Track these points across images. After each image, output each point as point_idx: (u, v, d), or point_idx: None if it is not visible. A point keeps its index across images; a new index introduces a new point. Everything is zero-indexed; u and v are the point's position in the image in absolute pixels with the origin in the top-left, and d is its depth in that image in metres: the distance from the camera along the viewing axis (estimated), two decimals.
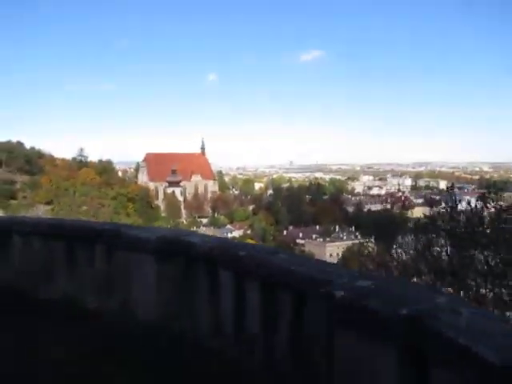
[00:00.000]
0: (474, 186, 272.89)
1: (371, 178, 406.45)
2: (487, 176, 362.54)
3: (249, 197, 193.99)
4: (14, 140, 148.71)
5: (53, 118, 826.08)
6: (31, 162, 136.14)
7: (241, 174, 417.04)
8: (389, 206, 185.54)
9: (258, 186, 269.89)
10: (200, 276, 4.58)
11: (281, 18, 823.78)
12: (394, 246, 72.65)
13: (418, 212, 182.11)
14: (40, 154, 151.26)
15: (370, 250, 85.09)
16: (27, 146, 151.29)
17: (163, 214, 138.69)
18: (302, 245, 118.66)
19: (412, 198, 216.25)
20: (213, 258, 4.39)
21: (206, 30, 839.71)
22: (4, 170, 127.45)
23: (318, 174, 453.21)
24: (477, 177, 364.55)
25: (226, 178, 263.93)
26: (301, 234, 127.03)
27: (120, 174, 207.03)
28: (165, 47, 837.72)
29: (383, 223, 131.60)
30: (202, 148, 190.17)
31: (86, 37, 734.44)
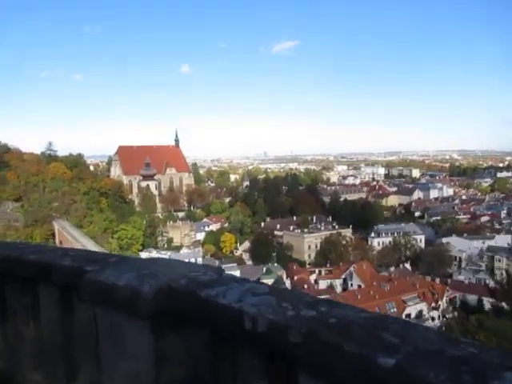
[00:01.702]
0: (445, 174, 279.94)
1: (345, 167, 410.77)
2: (457, 163, 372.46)
3: (225, 189, 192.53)
4: None
5: (20, 111, 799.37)
6: None
7: (216, 166, 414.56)
8: (364, 196, 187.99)
9: (233, 177, 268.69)
10: None
11: (254, 8, 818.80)
12: (372, 235, 73.77)
13: (393, 200, 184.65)
14: (6, 149, 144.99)
15: (348, 239, 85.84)
16: None
17: (138, 209, 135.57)
18: (280, 236, 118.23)
19: (386, 186, 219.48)
20: None
21: (179, 21, 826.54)
22: None
23: (293, 165, 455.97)
24: (447, 164, 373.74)
25: (201, 171, 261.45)
26: (278, 226, 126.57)
27: (92, 168, 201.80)
28: (138, 38, 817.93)
29: (360, 212, 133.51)
30: (176, 140, 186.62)
31: (57, 24, 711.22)
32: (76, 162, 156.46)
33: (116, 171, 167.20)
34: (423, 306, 68.74)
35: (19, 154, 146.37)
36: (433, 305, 69.84)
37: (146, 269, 2.61)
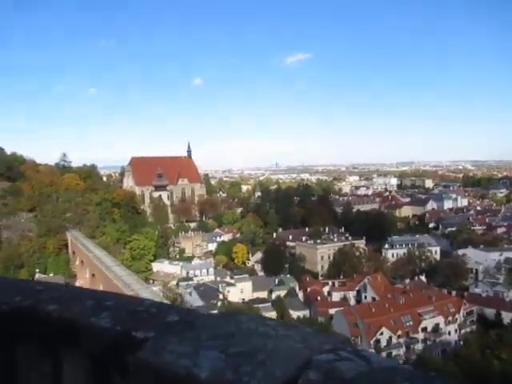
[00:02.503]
0: (458, 184, 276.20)
1: (357, 178, 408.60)
2: (470, 174, 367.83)
3: (236, 200, 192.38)
4: None
5: (35, 123, 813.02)
6: (12, 167, 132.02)
7: (227, 176, 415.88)
8: (377, 206, 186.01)
9: (244, 188, 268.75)
10: None
11: (267, 22, 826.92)
12: (386, 246, 72.35)
13: (406, 211, 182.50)
14: (21, 160, 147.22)
15: (361, 251, 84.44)
16: (8, 151, 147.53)
17: (150, 219, 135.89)
18: (293, 247, 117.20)
19: (399, 197, 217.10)
20: None
21: (192, 35, 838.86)
22: None
23: (304, 176, 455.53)
24: (460, 175, 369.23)
25: (213, 181, 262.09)
26: (290, 237, 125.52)
27: (105, 178, 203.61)
28: (152, 52, 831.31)
29: (373, 223, 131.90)
30: (188, 151, 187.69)
31: (73, 38, 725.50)
32: (89, 173, 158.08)
33: (128, 182, 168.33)
34: (440, 320, 66.97)
35: (34, 165, 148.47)
36: (449, 318, 68.06)
37: (233, 341, 1.49)
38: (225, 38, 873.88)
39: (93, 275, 78.38)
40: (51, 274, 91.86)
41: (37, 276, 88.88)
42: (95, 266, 75.18)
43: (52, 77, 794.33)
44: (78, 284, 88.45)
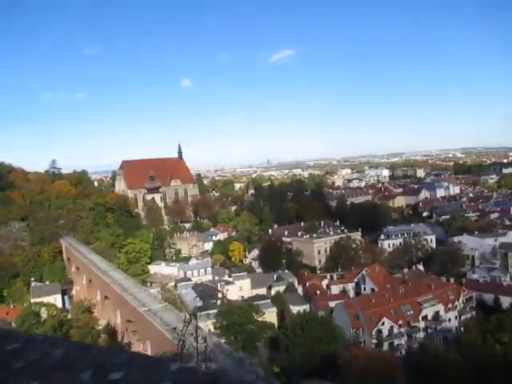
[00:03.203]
0: (449, 172, 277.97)
1: (349, 171, 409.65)
2: (460, 162, 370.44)
3: (230, 198, 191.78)
4: None
5: (23, 131, 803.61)
6: (1, 177, 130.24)
7: (219, 175, 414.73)
8: (370, 198, 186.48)
9: (237, 186, 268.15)
10: None
11: (252, 19, 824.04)
12: (382, 237, 72.43)
13: (400, 201, 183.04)
14: (10, 169, 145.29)
15: (358, 243, 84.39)
16: None
17: (144, 222, 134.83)
18: (289, 243, 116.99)
19: (391, 187, 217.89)
20: None
21: (179, 37, 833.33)
22: None
23: (297, 171, 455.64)
24: (451, 163, 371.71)
25: (205, 181, 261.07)
26: (286, 232, 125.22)
27: (96, 183, 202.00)
28: (138, 55, 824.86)
29: (367, 215, 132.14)
30: (179, 152, 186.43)
31: (59, 44, 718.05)
32: (80, 179, 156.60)
33: (121, 186, 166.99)
34: (439, 307, 67.08)
35: (23, 173, 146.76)
36: (449, 306, 68.23)
37: None
38: (212, 36, 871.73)
39: (89, 281, 77.56)
40: (47, 282, 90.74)
41: (33, 284, 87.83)
42: (91, 272, 74.36)
43: (39, 83, 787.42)
44: (74, 291, 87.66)
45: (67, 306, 79.51)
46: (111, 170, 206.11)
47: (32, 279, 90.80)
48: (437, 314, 66.97)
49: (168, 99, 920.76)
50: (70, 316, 58.74)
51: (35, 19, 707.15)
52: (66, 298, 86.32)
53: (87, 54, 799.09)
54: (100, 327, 53.55)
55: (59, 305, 76.67)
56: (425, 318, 66.24)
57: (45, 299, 66.48)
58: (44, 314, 53.12)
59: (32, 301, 67.55)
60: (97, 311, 66.05)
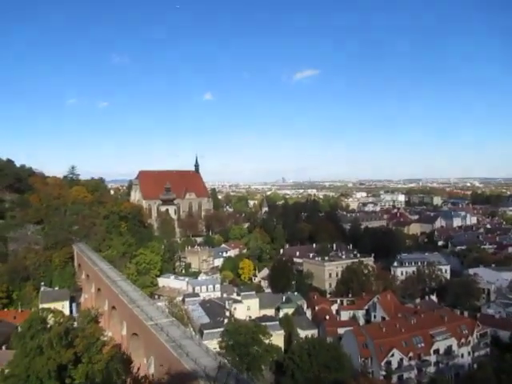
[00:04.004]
0: (467, 201, 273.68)
1: (364, 194, 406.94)
2: (479, 191, 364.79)
3: (243, 214, 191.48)
4: (4, 158, 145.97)
5: (45, 136, 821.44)
6: (21, 180, 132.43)
7: (234, 191, 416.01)
8: (385, 223, 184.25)
9: (251, 203, 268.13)
10: None
11: (275, 38, 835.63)
12: (395, 264, 70.97)
13: (415, 228, 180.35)
14: (30, 172, 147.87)
15: (370, 268, 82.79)
16: (17, 163, 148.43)
17: (156, 233, 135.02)
18: (300, 264, 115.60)
19: (407, 214, 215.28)
20: None
21: (203, 50, 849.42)
22: None
23: (311, 191, 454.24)
24: (469, 192, 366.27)
25: (220, 196, 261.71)
26: (298, 253, 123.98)
27: (112, 192, 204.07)
28: (163, 66, 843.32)
29: (381, 240, 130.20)
30: (196, 165, 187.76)
31: (84, 52, 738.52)
32: (97, 186, 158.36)
33: (136, 195, 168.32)
34: (452, 342, 64.91)
35: (42, 177, 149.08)
36: (462, 340, 66.00)
37: None
38: (235, 53, 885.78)
39: (98, 289, 77.36)
40: (56, 288, 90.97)
41: (42, 289, 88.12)
42: (101, 281, 74.19)
43: (65, 90, 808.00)
44: (82, 298, 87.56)
45: (74, 313, 79.24)
46: (128, 179, 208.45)
47: (42, 283, 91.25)
48: (449, 348, 64.85)
49: (189, 112, 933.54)
50: (76, 324, 58.34)
51: (64, 24, 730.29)
52: (73, 305, 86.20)
53: (115, 63, 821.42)
54: (105, 338, 52.97)
55: (67, 312, 76.55)
56: (436, 351, 64.17)
57: (53, 305, 66.29)
58: (51, 320, 52.87)
59: (40, 306, 67.48)
60: (103, 321, 65.51)
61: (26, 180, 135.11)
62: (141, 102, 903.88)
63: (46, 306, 64.02)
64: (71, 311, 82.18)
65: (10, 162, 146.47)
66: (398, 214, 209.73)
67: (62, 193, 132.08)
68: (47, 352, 44.84)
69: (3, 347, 57.87)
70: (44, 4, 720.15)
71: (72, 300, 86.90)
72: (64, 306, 79.00)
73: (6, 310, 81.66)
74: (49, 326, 51.22)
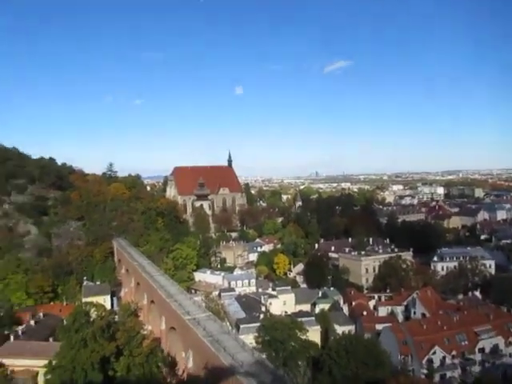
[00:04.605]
0: None
1: (401, 187, 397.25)
2: None
3: (277, 209, 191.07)
4: (47, 157, 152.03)
5: (84, 134, 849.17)
6: (62, 177, 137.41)
7: (267, 186, 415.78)
8: (423, 217, 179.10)
9: (285, 197, 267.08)
10: None
11: (307, 30, 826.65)
12: (435, 259, 68.58)
13: (455, 222, 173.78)
14: (71, 170, 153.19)
15: (409, 263, 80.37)
16: (59, 162, 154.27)
17: (192, 229, 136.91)
18: (336, 259, 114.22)
19: (446, 207, 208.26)
20: None
21: (235, 45, 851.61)
22: (37, 185, 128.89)
23: (345, 185, 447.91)
24: None
25: (253, 191, 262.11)
26: (333, 248, 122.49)
27: (148, 188, 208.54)
28: (195, 62, 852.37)
29: (420, 235, 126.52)
30: (229, 160, 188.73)
31: (120, 49, 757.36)
32: (134, 183, 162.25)
33: (171, 191, 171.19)
34: (499, 340, 62.23)
35: (82, 174, 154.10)
36: (510, 339, 63.17)
37: None
38: (266, 46, 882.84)
39: (137, 284, 79.23)
40: (98, 282, 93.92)
41: (84, 283, 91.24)
42: (140, 275, 75.93)
43: (101, 88, 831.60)
44: (123, 292, 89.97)
45: (115, 307, 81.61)
46: (163, 175, 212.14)
47: (84, 278, 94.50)
48: (495, 347, 62.23)
49: (221, 107, 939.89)
50: (117, 318, 59.97)
51: (99, 22, 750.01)
52: (114, 299, 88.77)
53: (149, 60, 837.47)
54: (145, 332, 54.16)
55: (108, 306, 78.90)
56: (482, 350, 61.76)
57: (95, 299, 68.34)
58: (93, 314, 54.58)
59: (83, 300, 69.83)
60: (143, 315, 67.05)
61: (67, 178, 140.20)
62: (174, 98, 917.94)
63: (88, 299, 66.05)
64: (112, 305, 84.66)
65: (52, 160, 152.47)
66: (437, 207, 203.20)
67: (101, 189, 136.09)
68: (91, 345, 46.30)
69: (50, 339, 60.19)
70: (82, 5, 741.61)
71: (113, 294, 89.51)
72: (105, 300, 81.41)
73: (52, 303, 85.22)
74: (92, 319, 52.88)
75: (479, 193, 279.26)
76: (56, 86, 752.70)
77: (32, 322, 67.36)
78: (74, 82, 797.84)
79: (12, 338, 58.65)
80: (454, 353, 59.92)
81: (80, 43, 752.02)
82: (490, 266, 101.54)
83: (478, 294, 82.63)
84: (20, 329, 63.29)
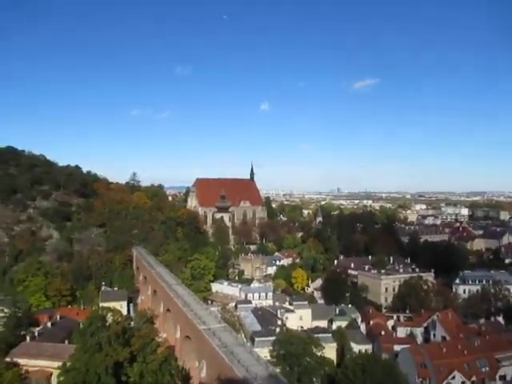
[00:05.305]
0: None
1: (424, 206, 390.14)
2: None
3: (297, 224, 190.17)
4: (73, 164, 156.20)
5: (109, 143, 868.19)
6: (87, 185, 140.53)
7: (288, 200, 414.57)
8: (446, 237, 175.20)
9: (305, 212, 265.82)
10: None
11: (336, 47, 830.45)
12: (457, 281, 66.78)
13: (479, 244, 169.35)
14: (95, 178, 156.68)
15: (430, 284, 78.40)
16: (84, 170, 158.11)
17: (211, 240, 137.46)
18: (355, 276, 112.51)
19: (471, 228, 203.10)
20: None
21: (260, 61, 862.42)
22: (62, 192, 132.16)
23: (367, 202, 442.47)
24: None
25: (274, 205, 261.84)
26: (352, 265, 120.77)
27: (170, 198, 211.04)
28: (221, 77, 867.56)
29: (442, 256, 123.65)
30: (251, 174, 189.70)
31: (151, 64, 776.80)
32: (156, 192, 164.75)
33: (192, 202, 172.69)
34: None
35: (106, 183, 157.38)
36: None
37: None
38: (293, 62, 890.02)
39: (154, 292, 79.81)
40: (116, 288, 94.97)
41: (103, 288, 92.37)
42: (157, 283, 76.52)
43: (128, 101, 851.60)
44: (139, 299, 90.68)
45: (131, 313, 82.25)
46: (185, 186, 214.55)
47: (103, 283, 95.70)
48: None
49: (246, 121, 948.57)
50: (132, 324, 60.43)
51: (129, 35, 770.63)
52: (131, 305, 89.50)
53: (177, 74, 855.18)
54: (160, 339, 54.38)
55: (124, 311, 79.57)
56: (503, 377, 59.45)
57: (112, 304, 69.15)
58: (110, 318, 55.15)
59: (100, 304, 70.73)
60: (158, 323, 67.41)
61: (91, 185, 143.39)
62: (200, 111, 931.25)
63: (105, 304, 66.86)
64: (128, 311, 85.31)
65: (77, 168, 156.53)
66: (461, 229, 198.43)
67: (124, 198, 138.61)
68: (105, 349, 46.73)
69: (66, 341, 60.97)
70: (109, 20, 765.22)
71: (130, 300, 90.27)
72: (122, 306, 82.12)
73: (69, 306, 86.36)
74: (108, 324, 53.40)
75: (504, 215, 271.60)
76: (88, 98, 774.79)
77: (49, 324, 68.36)
78: (104, 94, 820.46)
79: (28, 338, 59.63)
80: (473, 379, 57.86)
81: (108, 56, 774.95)
82: None
83: (500, 319, 79.80)
84: (37, 330, 64.29)
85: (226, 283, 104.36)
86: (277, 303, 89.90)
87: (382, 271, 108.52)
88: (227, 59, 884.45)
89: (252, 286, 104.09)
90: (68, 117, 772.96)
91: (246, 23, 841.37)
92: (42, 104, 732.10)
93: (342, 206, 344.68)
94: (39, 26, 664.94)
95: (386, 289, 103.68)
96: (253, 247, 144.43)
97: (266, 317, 76.18)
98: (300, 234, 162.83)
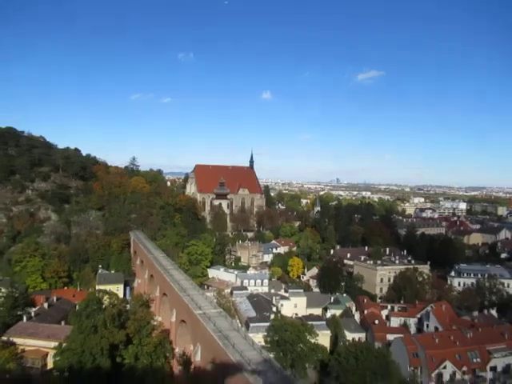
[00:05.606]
0: None
1: (422, 199, 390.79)
2: None
3: (295, 213, 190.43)
4: (72, 147, 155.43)
5: (110, 128, 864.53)
6: (86, 168, 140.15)
7: (286, 189, 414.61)
8: (443, 231, 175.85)
9: (304, 201, 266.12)
10: None
11: (340, 38, 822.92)
12: (452, 274, 67.29)
13: (476, 238, 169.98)
14: (94, 161, 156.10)
15: (425, 276, 78.94)
16: (83, 152, 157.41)
17: (209, 226, 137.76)
18: (350, 266, 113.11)
19: (468, 223, 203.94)
20: None
21: (264, 51, 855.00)
22: (61, 174, 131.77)
23: (366, 193, 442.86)
24: None
25: (272, 193, 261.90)
26: (349, 255, 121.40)
27: (169, 183, 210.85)
28: (224, 65, 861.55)
29: (438, 249, 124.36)
30: (251, 161, 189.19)
31: (153, 50, 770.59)
32: (155, 177, 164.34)
33: (191, 188, 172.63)
34: None
35: (105, 166, 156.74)
36: None
37: None
38: (296, 52, 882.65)
39: (151, 276, 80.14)
40: (113, 271, 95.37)
41: (99, 271, 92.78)
42: (154, 268, 76.80)
43: (130, 86, 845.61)
44: (136, 283, 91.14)
45: (128, 297, 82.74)
46: (185, 172, 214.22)
47: (100, 266, 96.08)
48: (508, 366, 60.55)
49: (247, 109, 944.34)
50: (128, 307, 60.83)
51: (132, 23, 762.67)
52: (127, 288, 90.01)
53: (179, 60, 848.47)
54: (155, 323, 54.80)
55: (121, 295, 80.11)
56: (493, 368, 60.19)
57: (108, 287, 69.76)
58: (106, 301, 55.56)
59: (97, 287, 71.25)
60: (154, 307, 67.87)
61: (90, 168, 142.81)
62: (201, 98, 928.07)
63: (102, 287, 67.31)
64: (125, 294, 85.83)
65: (77, 150, 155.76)
66: (458, 223, 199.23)
67: (123, 182, 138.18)
68: (101, 331, 47.13)
69: (62, 322, 61.44)
70: (116, 8, 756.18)
71: (126, 284, 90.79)
72: (118, 289, 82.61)
73: (66, 288, 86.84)
74: (104, 306, 53.80)
75: (502, 211, 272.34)
76: (88, 85, 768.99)
77: (45, 305, 68.91)
78: (106, 79, 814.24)
79: (25, 318, 60.09)
80: (464, 369, 58.63)
81: (110, 42, 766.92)
82: (508, 286, 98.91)
83: (494, 312, 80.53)
84: (33, 310, 64.77)
85: (222, 269, 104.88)
86: (272, 290, 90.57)
87: (378, 262, 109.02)
88: (229, 47, 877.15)
89: (248, 272, 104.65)
90: (68, 100, 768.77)
91: (248, 10, 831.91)
92: (43, 86, 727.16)
93: (341, 197, 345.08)
94: (39, 9, 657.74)
95: (382, 279, 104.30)
96: (250, 234, 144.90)
97: (261, 303, 76.76)
98: (297, 223, 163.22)
